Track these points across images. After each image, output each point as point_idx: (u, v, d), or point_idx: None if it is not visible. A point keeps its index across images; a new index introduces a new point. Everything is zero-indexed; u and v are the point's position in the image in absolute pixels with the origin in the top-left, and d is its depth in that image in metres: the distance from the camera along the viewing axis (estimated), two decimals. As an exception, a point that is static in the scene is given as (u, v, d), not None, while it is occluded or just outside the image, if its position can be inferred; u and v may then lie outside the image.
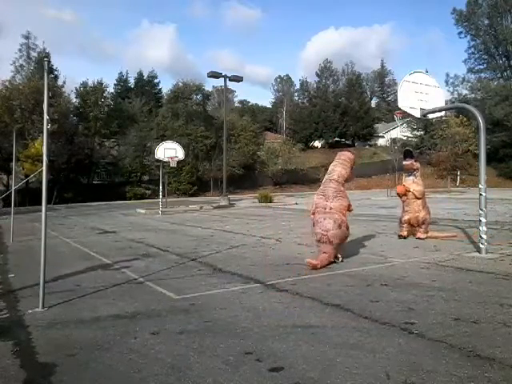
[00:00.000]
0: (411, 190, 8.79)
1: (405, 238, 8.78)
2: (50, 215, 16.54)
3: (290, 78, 76.17)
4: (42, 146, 4.63)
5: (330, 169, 6.75)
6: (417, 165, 8.97)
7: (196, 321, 3.93)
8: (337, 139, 57.80)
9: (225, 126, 25.22)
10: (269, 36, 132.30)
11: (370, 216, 14.26)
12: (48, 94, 4.67)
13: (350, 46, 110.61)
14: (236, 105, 75.53)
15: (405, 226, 8.88)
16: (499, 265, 6.06)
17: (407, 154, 9.06)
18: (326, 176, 6.76)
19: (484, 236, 6.84)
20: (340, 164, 6.69)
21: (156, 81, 55.57)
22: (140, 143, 34.40)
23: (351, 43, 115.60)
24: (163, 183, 19.70)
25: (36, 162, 24.79)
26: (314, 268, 5.95)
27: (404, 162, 9.08)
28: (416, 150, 45.38)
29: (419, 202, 8.75)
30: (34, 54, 35.02)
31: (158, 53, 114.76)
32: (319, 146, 58.72)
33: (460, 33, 43.69)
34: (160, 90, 54.56)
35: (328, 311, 4.12)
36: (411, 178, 8.91)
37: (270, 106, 76.60)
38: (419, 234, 8.72)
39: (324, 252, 6.18)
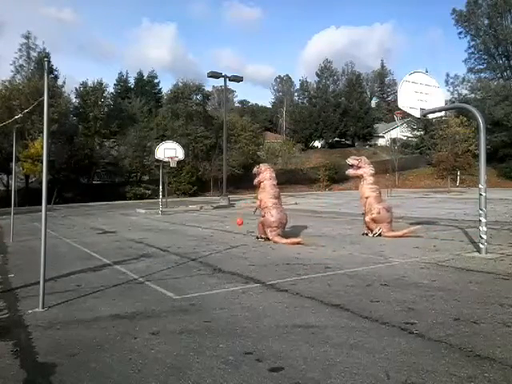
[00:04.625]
0: (360, 193, 9.70)
1: (366, 234, 9.39)
2: (50, 215, 16.53)
3: (289, 78, 76.35)
4: (42, 146, 4.63)
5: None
6: (361, 172, 9.67)
7: (196, 321, 3.93)
8: (337, 139, 57.84)
9: (225, 126, 25.21)
10: (269, 35, 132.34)
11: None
12: (48, 93, 4.66)
13: (350, 45, 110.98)
14: (236, 105, 75.56)
15: (365, 225, 9.55)
16: (499, 265, 6.06)
17: (348, 165, 10.06)
18: (274, 182, 9.41)
19: (484, 236, 6.84)
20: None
21: (156, 81, 55.53)
22: (140, 143, 34.35)
23: (352, 42, 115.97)
24: (163, 183, 19.69)
25: (36, 161, 24.77)
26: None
27: (346, 172, 10.27)
28: (416, 149, 45.54)
29: (367, 202, 9.39)
30: (34, 54, 34.94)
31: (158, 52, 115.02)
32: (319, 146, 58.73)
33: (460, 33, 43.68)
34: (160, 90, 54.53)
35: (328, 311, 4.12)
36: (362, 182, 9.72)
37: (270, 105, 76.68)
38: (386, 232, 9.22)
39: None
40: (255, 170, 9.87)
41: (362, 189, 9.60)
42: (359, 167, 9.70)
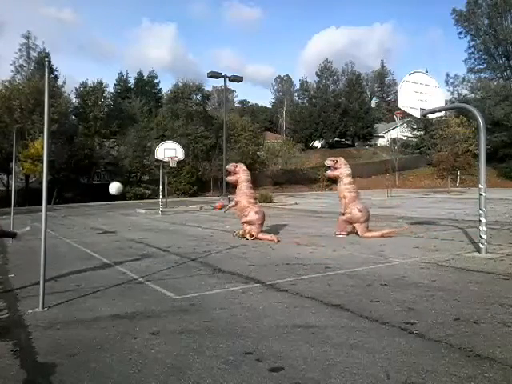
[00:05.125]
0: (338, 193, 9.85)
1: (337, 234, 9.60)
2: (50, 215, 16.53)
3: (289, 78, 76.32)
4: (42, 146, 4.63)
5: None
6: (337, 172, 9.82)
7: (196, 321, 3.93)
8: (337, 139, 57.85)
9: (225, 126, 25.21)
10: (269, 35, 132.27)
11: (370, 216, 14.23)
12: (48, 93, 4.66)
13: (350, 45, 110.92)
14: (236, 105, 75.56)
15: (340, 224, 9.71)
16: (499, 265, 6.06)
17: (327, 167, 10.24)
18: (250, 184, 9.74)
19: (484, 236, 6.84)
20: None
21: (156, 81, 55.50)
22: (140, 143, 34.34)
23: (352, 42, 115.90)
24: (163, 183, 19.69)
25: (36, 161, 24.77)
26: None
27: (325, 173, 10.40)
28: (416, 149, 45.54)
29: (344, 202, 9.55)
30: (34, 54, 34.97)
31: (158, 52, 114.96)
32: (319, 146, 58.72)
33: (460, 33, 43.70)
34: (160, 90, 54.52)
35: (328, 311, 4.12)
36: (339, 183, 9.84)
37: (270, 105, 76.67)
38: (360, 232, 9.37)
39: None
40: (231, 167, 10.04)
41: (340, 189, 9.76)
42: (336, 168, 9.86)
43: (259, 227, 9.33)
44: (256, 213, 9.29)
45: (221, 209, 10.02)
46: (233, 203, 9.84)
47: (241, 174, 9.77)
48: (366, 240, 8.84)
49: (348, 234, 9.51)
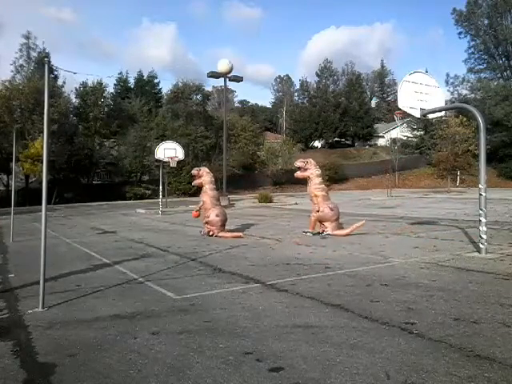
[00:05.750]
0: (309, 193, 10.18)
1: (306, 233, 9.87)
2: (50, 215, 16.53)
3: (289, 78, 76.34)
4: (42, 146, 4.62)
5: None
6: (308, 173, 10.17)
7: (196, 321, 3.93)
8: (337, 139, 57.81)
9: (225, 126, 25.20)
10: (269, 35, 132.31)
11: (370, 216, 14.26)
12: (48, 93, 4.66)
13: (350, 45, 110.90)
14: (236, 105, 75.51)
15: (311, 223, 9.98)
16: (499, 265, 6.06)
17: (297, 168, 10.57)
18: (214, 186, 10.45)
19: (484, 236, 6.84)
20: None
21: (156, 81, 55.38)
22: (140, 143, 34.32)
23: (352, 42, 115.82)
24: (163, 183, 19.69)
25: (36, 161, 24.76)
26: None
27: (295, 175, 10.76)
28: (416, 149, 45.51)
29: (315, 201, 9.84)
30: (34, 54, 34.93)
31: (158, 52, 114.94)
32: (319, 146, 58.68)
33: (460, 33, 43.65)
34: (160, 90, 54.41)
35: (328, 311, 4.12)
36: (309, 183, 10.15)
37: (270, 105, 76.65)
38: (328, 230, 9.64)
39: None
40: (195, 171, 10.74)
41: (310, 189, 10.06)
42: (306, 169, 10.25)
43: (220, 227, 9.97)
44: (217, 215, 9.96)
45: (197, 217, 10.52)
46: (200, 204, 10.39)
47: (204, 177, 10.40)
48: (366, 240, 8.84)
49: (319, 233, 9.72)
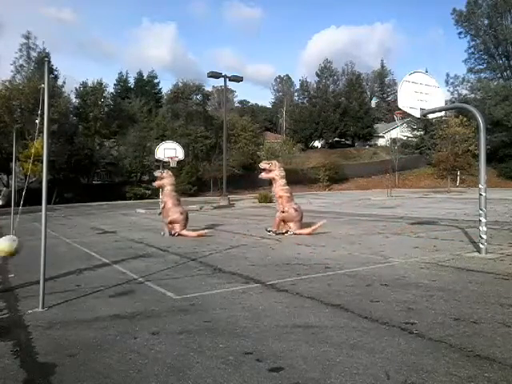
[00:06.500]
0: (274, 194, 10.45)
1: (269, 231, 10.10)
2: (50, 215, 16.52)
3: (289, 78, 76.43)
4: (42, 146, 4.62)
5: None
6: (273, 174, 10.35)
7: (196, 321, 3.93)
8: (337, 139, 57.84)
9: (225, 126, 25.21)
10: (269, 35, 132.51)
11: (370, 216, 14.27)
12: (48, 93, 4.66)
13: (350, 45, 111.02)
14: (236, 105, 75.53)
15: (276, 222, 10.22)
16: (499, 265, 6.06)
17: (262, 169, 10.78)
18: (174, 188, 10.84)
19: (484, 236, 6.84)
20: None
21: (156, 81, 55.44)
22: (140, 143, 34.33)
23: (352, 42, 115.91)
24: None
25: (36, 161, 24.72)
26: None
27: (259, 176, 11.02)
28: (416, 149, 45.52)
29: (279, 202, 10.14)
30: (34, 54, 34.98)
31: (158, 52, 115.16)
32: (319, 146, 58.70)
33: (460, 33, 43.67)
34: (160, 90, 54.46)
35: (328, 311, 4.12)
36: (274, 184, 10.42)
37: (270, 105, 76.67)
38: (292, 230, 9.86)
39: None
40: (158, 174, 11.11)
41: (275, 190, 10.32)
42: (271, 170, 10.44)
43: (182, 226, 10.24)
44: (181, 213, 10.30)
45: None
46: (162, 204, 10.65)
47: (166, 179, 10.78)
48: (366, 240, 8.84)
49: (283, 233, 9.89)
